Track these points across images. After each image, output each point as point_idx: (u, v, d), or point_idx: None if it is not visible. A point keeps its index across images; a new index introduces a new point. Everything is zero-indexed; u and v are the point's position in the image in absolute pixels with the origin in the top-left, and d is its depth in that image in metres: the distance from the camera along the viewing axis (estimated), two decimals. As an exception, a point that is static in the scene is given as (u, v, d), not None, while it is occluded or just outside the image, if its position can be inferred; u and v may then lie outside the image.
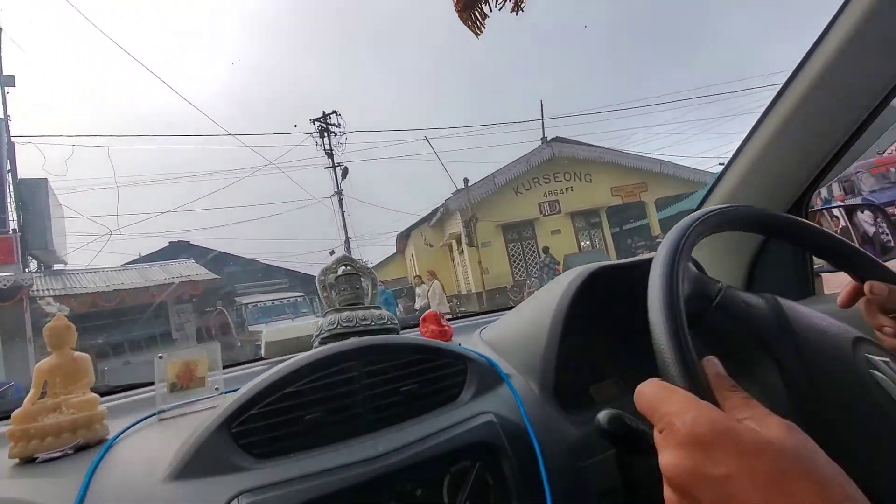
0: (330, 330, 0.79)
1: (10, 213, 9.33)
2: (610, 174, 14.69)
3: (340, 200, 14.84)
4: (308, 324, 1.15)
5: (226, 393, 0.84)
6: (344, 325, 0.80)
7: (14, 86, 10.12)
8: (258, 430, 0.60)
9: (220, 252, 16.27)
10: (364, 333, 0.81)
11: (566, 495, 0.63)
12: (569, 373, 0.75)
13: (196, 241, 17.17)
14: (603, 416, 0.42)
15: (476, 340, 0.94)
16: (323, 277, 0.89)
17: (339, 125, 14.88)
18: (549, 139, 14.74)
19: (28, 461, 0.65)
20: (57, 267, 11.44)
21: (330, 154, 14.76)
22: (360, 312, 0.83)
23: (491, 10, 0.80)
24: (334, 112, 14.93)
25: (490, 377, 0.75)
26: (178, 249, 16.36)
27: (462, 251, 14.57)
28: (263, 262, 17.68)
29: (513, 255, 14.17)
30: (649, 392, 0.36)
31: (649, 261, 0.85)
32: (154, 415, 0.78)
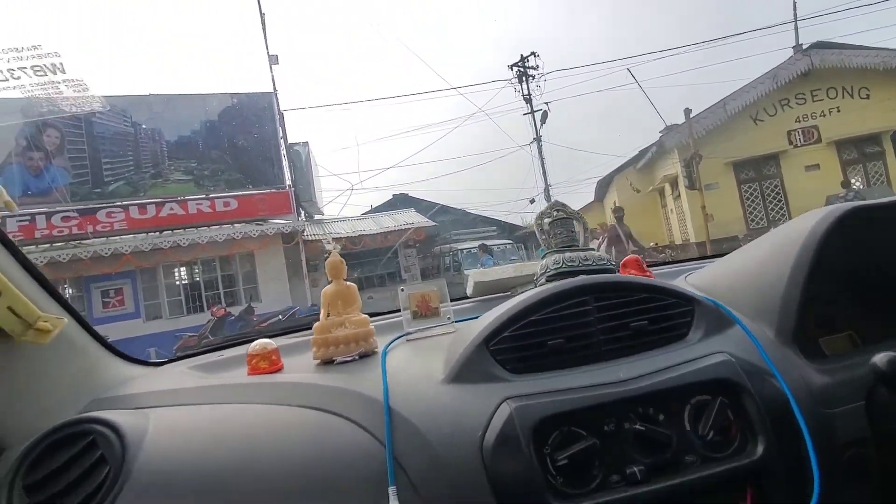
0: (556, 269, 0.85)
1: (286, 172, 11.97)
2: (900, 85, 10.74)
3: (540, 147, 14.69)
4: (506, 268, 1.22)
5: (455, 322, 0.96)
6: (568, 264, 0.85)
7: (278, 63, 12.18)
8: (510, 349, 0.70)
9: (435, 202, 18.10)
10: (586, 272, 0.84)
11: (812, 440, 0.62)
12: (801, 320, 0.73)
13: (414, 192, 19.40)
14: (882, 358, 0.42)
15: (682, 285, 0.92)
16: (539, 221, 0.92)
17: (537, 67, 14.46)
18: (805, 47, 11.51)
19: (326, 363, 0.86)
20: (317, 217, 14.38)
21: (528, 99, 14.58)
22: (581, 254, 0.86)
23: None
24: (532, 54, 14.53)
25: (718, 319, 0.75)
26: (399, 201, 18.77)
27: (678, 195, 12.87)
28: (471, 211, 19.01)
29: (748, 199, 11.77)
30: None
31: None
32: (403, 335, 0.95)
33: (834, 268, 0.78)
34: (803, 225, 0.77)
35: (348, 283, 0.94)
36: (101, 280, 10.05)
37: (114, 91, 10.94)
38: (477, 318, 1.00)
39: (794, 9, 11.46)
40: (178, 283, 11.15)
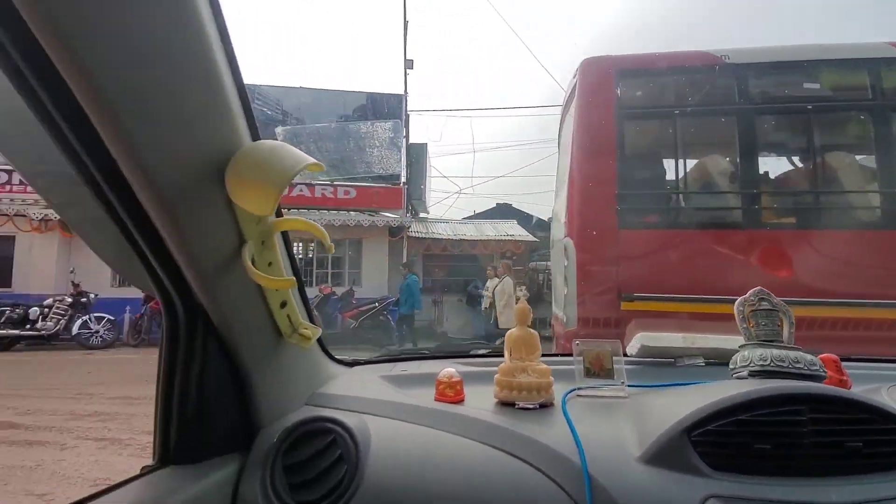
0: (762, 366, 0.81)
1: (403, 170, 12.58)
2: None
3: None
4: (674, 337, 1.18)
5: (628, 386, 0.96)
6: (777, 363, 0.80)
7: (412, 69, 13.13)
8: (711, 444, 0.68)
9: (538, 217, 17.86)
10: (794, 376, 0.80)
11: None
12: None
13: (517, 205, 19.29)
14: None
15: (884, 398, 0.86)
16: (742, 308, 0.89)
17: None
18: None
19: (505, 404, 0.90)
20: (422, 214, 14.88)
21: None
22: (792, 354, 0.82)
23: None
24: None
25: None
26: (502, 211, 18.77)
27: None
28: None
29: None
30: None
31: None
32: (573, 391, 0.97)
33: None
34: None
35: (532, 330, 0.99)
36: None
37: (267, 81, 12.26)
38: (652, 386, 0.99)
39: None
40: (297, 255, 12.19)
